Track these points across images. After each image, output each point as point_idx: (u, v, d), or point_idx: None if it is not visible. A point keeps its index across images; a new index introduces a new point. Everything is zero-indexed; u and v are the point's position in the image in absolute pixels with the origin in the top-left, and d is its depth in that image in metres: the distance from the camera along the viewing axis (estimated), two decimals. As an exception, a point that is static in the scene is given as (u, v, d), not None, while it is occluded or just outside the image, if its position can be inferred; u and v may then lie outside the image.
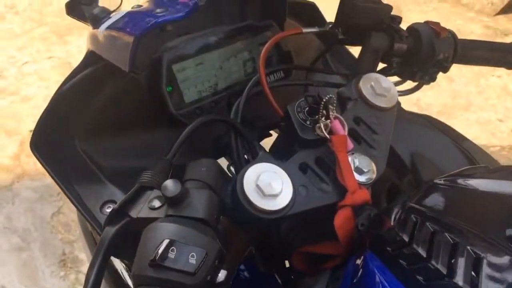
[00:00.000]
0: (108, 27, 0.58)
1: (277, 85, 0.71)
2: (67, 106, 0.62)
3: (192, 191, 0.47)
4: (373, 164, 0.58)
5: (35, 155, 0.61)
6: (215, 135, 0.73)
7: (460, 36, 0.73)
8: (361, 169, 0.57)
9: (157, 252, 0.40)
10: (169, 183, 0.46)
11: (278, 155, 0.56)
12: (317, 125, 0.57)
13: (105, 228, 0.48)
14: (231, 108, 0.67)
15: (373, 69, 0.69)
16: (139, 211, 0.48)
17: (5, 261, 1.73)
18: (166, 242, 0.41)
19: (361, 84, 0.63)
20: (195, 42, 0.70)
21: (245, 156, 0.66)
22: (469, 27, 3.34)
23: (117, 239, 0.48)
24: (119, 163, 0.65)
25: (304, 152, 0.57)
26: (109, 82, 0.63)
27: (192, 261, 0.41)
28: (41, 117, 0.61)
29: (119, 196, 0.60)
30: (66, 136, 0.63)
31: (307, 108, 0.58)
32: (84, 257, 1.70)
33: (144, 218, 0.47)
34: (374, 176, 0.57)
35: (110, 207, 0.60)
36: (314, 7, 0.84)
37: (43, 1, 3.38)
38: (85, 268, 1.70)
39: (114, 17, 0.60)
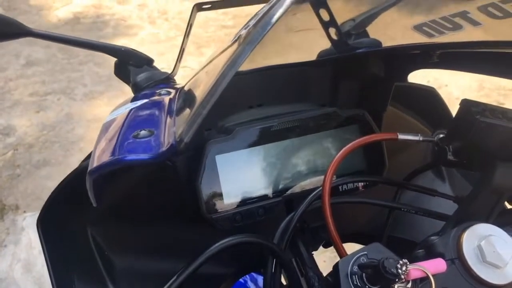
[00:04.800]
0: (107, 120, 0.47)
1: (347, 201, 0.53)
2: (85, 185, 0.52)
3: None
4: None
5: (39, 235, 0.53)
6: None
7: None
8: None
9: None
10: None
11: None
12: None
13: None
14: (291, 212, 0.52)
15: (489, 216, 0.47)
16: None
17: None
18: None
19: (464, 239, 0.43)
20: (256, 128, 0.55)
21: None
22: None
23: None
24: (131, 261, 0.54)
25: None
26: (138, 165, 0.52)
27: None
28: (54, 191, 0.53)
29: None
30: (78, 218, 0.53)
31: (365, 274, 0.40)
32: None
33: None
34: None
35: None
36: (433, 94, 0.64)
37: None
38: None
39: (122, 107, 0.48)
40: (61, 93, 2.70)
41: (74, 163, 2.24)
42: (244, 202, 0.55)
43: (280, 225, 0.52)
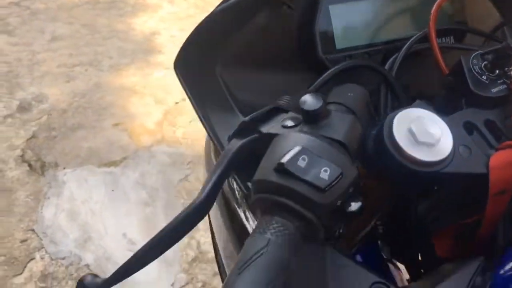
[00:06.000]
0: None
1: (446, 46, 0.61)
2: (216, 31, 0.60)
3: (334, 113, 0.41)
4: None
5: (176, 75, 0.61)
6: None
7: None
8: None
9: (286, 156, 0.35)
10: (309, 97, 0.40)
11: (437, 109, 0.48)
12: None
13: (231, 140, 0.45)
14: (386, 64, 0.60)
15: None
16: (270, 128, 0.44)
17: (131, 212, 1.86)
18: (297, 148, 0.35)
19: None
20: None
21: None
22: None
23: (241, 153, 0.44)
24: (253, 99, 0.62)
25: (472, 111, 0.47)
26: (262, 11, 0.60)
27: (324, 176, 0.34)
28: (189, 37, 0.60)
29: None
30: (209, 61, 0.61)
31: (485, 63, 0.49)
32: (199, 225, 1.74)
33: (275, 135, 0.42)
34: None
35: None
36: None
37: (209, -9, 3.62)
38: (199, 235, 1.74)
39: None
40: (88, 65, 2.77)
41: (107, 126, 2.32)
42: (352, 48, 0.63)
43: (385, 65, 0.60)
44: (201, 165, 2.07)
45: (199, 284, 1.57)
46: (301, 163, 0.34)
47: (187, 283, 1.57)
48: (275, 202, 0.35)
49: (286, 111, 0.45)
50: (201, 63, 0.61)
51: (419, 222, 0.53)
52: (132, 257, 0.42)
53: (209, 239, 1.73)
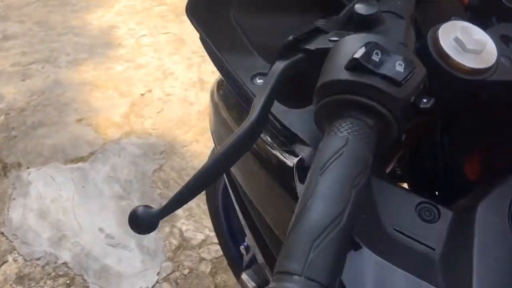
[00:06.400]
0: None
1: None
2: None
3: (388, 20, 0.39)
4: None
5: (190, 21, 0.58)
6: None
7: None
8: None
9: (359, 52, 0.33)
10: (362, 4, 0.38)
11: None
12: None
13: (276, 62, 0.42)
14: None
15: None
16: (317, 45, 0.41)
17: (106, 207, 1.78)
18: (370, 44, 0.33)
19: None
20: None
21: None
22: None
23: (286, 74, 0.42)
24: (268, 41, 0.59)
25: (506, 25, 0.47)
26: None
27: (400, 69, 0.33)
28: None
29: None
30: (222, 5, 0.59)
31: None
32: (179, 212, 1.69)
33: (325, 49, 0.40)
34: None
35: (261, 78, 0.55)
36: None
37: (164, -17, 3.55)
38: (180, 223, 1.69)
39: None
40: (45, 62, 2.64)
41: (71, 122, 2.21)
42: None
43: None
44: (175, 155, 2.02)
45: (186, 271, 1.52)
46: (375, 57, 0.33)
47: (173, 271, 1.52)
48: (347, 102, 0.33)
49: (326, 32, 0.43)
50: (215, 8, 0.58)
51: (447, 148, 0.53)
52: (185, 186, 0.39)
53: (191, 226, 1.69)
